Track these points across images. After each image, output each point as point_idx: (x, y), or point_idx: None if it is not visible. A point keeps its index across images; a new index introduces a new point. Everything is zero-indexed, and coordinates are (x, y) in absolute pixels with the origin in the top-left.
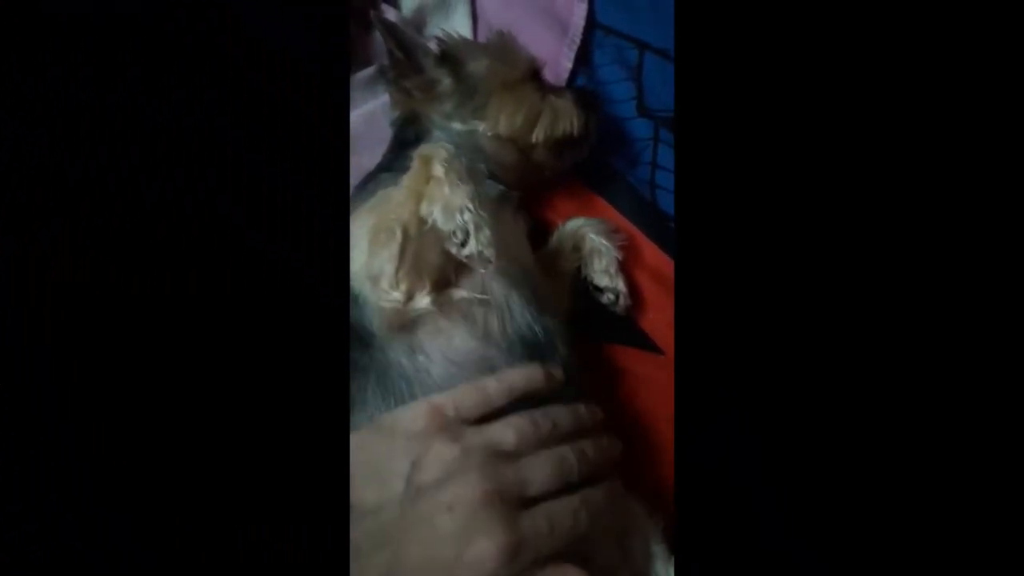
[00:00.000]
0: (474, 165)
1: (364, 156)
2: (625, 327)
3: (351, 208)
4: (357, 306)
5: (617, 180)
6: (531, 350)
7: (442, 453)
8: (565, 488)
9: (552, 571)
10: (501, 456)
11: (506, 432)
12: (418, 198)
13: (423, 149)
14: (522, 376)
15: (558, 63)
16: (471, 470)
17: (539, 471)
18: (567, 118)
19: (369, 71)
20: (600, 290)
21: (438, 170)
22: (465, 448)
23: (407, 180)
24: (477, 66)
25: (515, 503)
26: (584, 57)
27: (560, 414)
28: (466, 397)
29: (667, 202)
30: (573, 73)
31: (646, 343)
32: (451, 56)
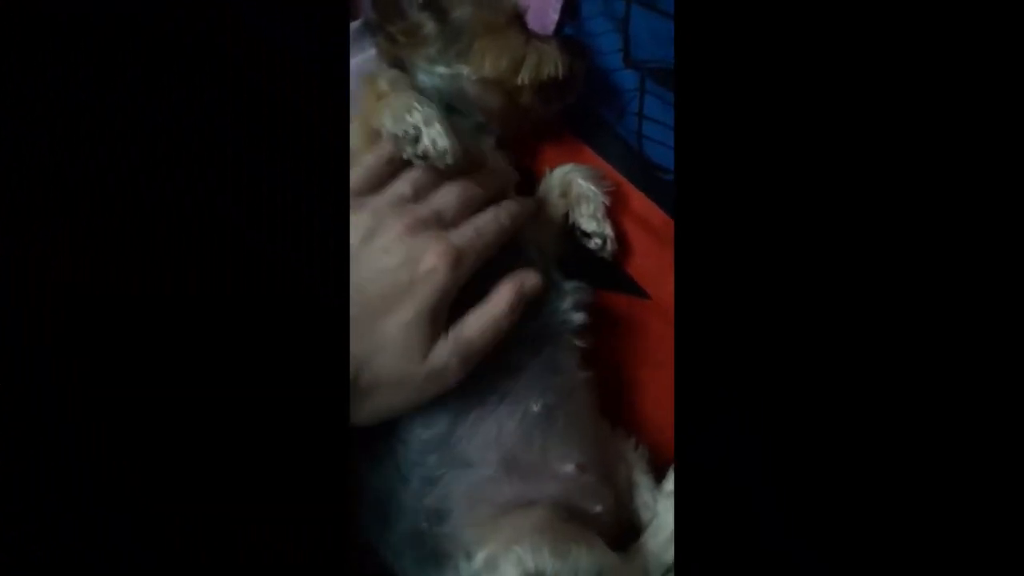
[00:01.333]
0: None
1: (354, 109)
2: (612, 272)
3: None
4: None
5: (605, 130)
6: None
7: (356, 220)
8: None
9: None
10: (407, 201)
11: (401, 185)
12: (369, 118)
13: (365, 76)
14: (388, 148)
15: (546, 15)
16: (386, 217)
17: (445, 199)
18: (552, 61)
19: (355, 25)
20: (587, 235)
21: (383, 85)
22: (372, 209)
23: (359, 108)
24: (461, 12)
25: (438, 228)
26: (572, 9)
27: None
28: (351, 175)
29: (654, 151)
30: (560, 25)
31: (633, 288)
32: (434, 2)
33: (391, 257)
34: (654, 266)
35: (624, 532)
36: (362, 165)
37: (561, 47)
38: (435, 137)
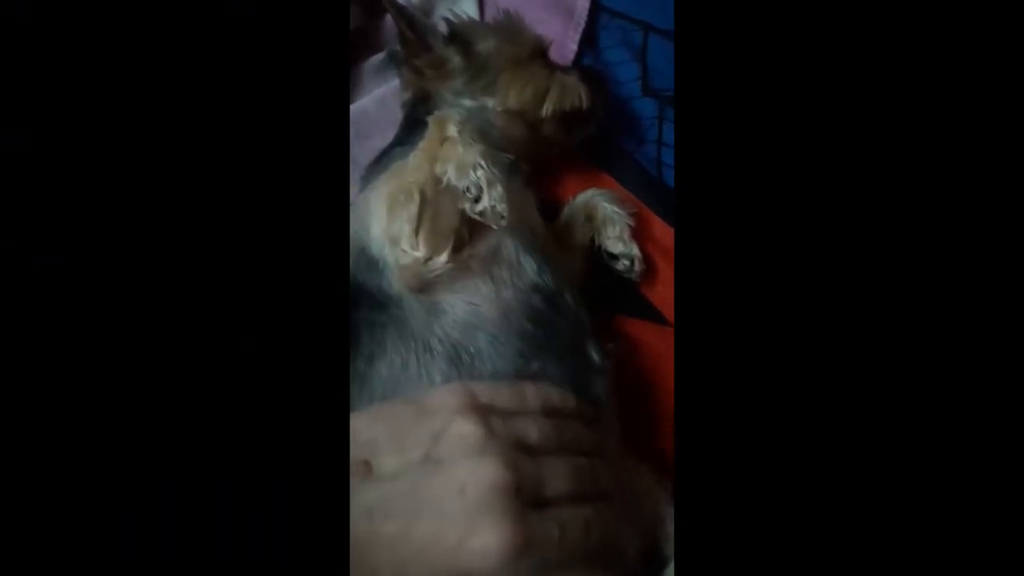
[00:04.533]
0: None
1: (376, 138)
2: (635, 299)
3: (367, 184)
4: (377, 271)
5: (624, 158)
6: (542, 298)
7: (465, 430)
8: (578, 499)
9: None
10: (521, 449)
11: (530, 428)
12: (433, 160)
13: (437, 115)
14: (559, 396)
15: (564, 46)
16: (490, 453)
17: (557, 473)
18: (574, 92)
19: (379, 56)
20: (615, 257)
21: (451, 131)
22: (488, 431)
23: (423, 144)
24: (485, 45)
25: (528, 500)
26: (590, 40)
27: (582, 431)
28: (502, 393)
29: (673, 179)
30: (579, 55)
31: (655, 315)
32: (460, 36)
33: (459, 504)
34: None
35: (650, 565)
36: (518, 391)
37: (582, 78)
38: (495, 202)
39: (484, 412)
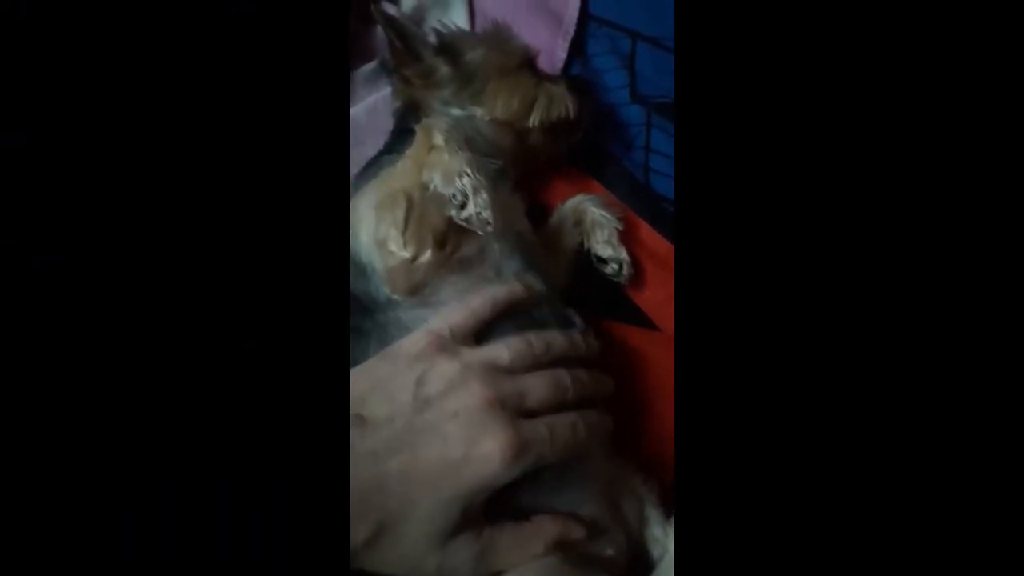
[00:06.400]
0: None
1: (368, 146)
2: (623, 304)
3: (356, 191)
4: (365, 277)
5: (612, 164)
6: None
7: (444, 369)
8: (561, 407)
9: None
10: (498, 370)
11: (501, 350)
12: (420, 167)
13: (425, 122)
14: (504, 290)
15: (553, 54)
16: (472, 381)
17: (535, 385)
18: (561, 102)
19: (371, 65)
20: (603, 261)
21: (438, 139)
22: (464, 363)
23: (410, 151)
24: (474, 55)
25: (515, 411)
26: (578, 48)
27: (555, 337)
28: (454, 315)
29: (661, 184)
30: (568, 63)
31: (642, 319)
32: (448, 46)
33: (455, 427)
34: (663, 297)
35: (635, 567)
36: (466, 306)
37: (569, 88)
38: (481, 208)
39: (453, 347)
